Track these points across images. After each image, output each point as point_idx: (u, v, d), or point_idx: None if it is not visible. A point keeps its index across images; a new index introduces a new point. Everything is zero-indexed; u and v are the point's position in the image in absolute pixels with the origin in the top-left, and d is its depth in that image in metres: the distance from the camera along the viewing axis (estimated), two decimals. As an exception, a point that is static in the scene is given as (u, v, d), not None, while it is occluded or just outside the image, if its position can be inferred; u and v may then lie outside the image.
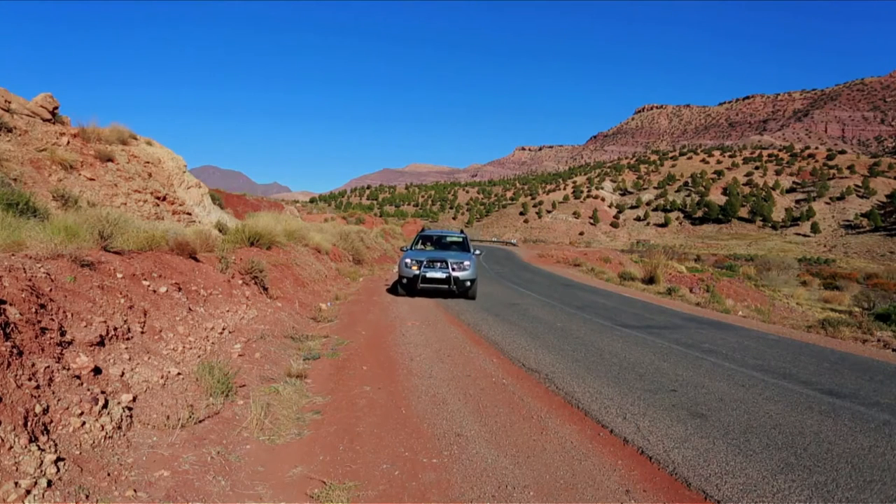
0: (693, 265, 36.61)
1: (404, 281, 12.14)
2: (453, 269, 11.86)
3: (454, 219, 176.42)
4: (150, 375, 4.28)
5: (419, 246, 14.08)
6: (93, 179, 12.14)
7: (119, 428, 3.45)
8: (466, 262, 12.06)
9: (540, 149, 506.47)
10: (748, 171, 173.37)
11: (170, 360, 4.72)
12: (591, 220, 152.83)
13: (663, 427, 4.48)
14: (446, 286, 11.86)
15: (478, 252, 13.30)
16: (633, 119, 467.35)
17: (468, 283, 11.95)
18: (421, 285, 11.87)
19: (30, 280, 4.04)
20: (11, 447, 2.73)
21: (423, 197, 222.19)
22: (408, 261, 12.16)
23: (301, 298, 10.16)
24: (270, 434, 4.07)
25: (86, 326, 4.12)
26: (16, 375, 3.10)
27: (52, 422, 3.11)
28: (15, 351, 3.24)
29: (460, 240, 14.60)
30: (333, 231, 21.75)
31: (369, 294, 13.15)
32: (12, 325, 3.41)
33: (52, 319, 3.86)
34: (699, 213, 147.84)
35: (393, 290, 13.48)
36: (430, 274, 11.82)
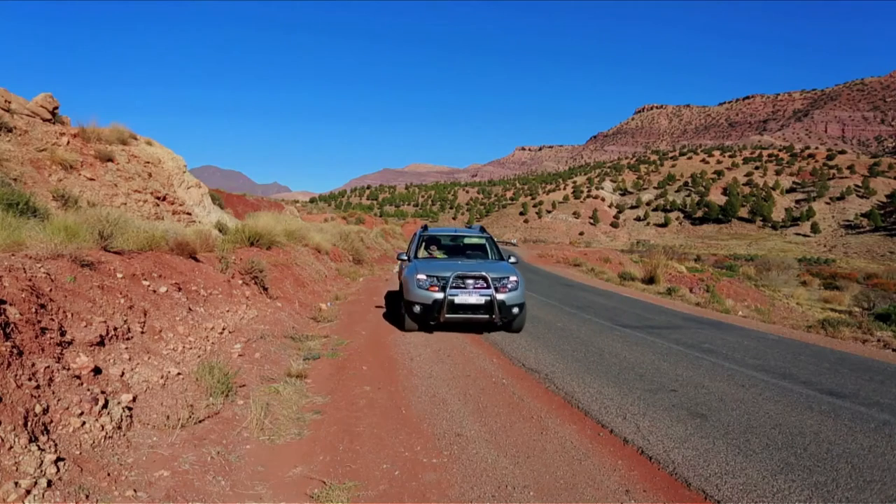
0: (693, 265, 36.62)
1: (416, 309, 7.86)
2: (497, 290, 7.78)
3: (454, 219, 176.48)
4: (150, 375, 4.28)
5: (425, 252, 9.76)
6: (93, 179, 12.15)
7: (119, 428, 3.45)
8: (513, 278, 8.03)
9: (540, 149, 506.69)
10: (748, 171, 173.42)
11: (170, 360, 4.72)
12: (591, 220, 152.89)
13: (663, 427, 4.48)
14: (486, 316, 7.74)
15: (513, 260, 9.14)
16: (633, 119, 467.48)
17: (516, 311, 7.91)
18: (447, 315, 7.70)
19: (30, 280, 4.04)
20: (11, 447, 2.73)
21: (423, 197, 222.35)
22: (420, 277, 7.89)
23: (301, 298, 10.16)
24: (270, 434, 4.07)
25: (86, 326, 4.13)
26: (16, 375, 3.10)
27: (52, 422, 3.11)
28: (15, 351, 3.24)
29: (482, 241, 10.08)
30: (333, 231, 21.76)
31: (369, 294, 13.15)
32: (12, 325, 3.41)
33: (52, 319, 3.86)
34: (699, 213, 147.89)
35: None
36: (462, 298, 7.68)
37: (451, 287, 7.72)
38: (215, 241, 9.88)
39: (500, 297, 7.75)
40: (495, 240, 10.17)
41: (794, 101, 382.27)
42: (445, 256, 9.74)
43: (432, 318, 7.82)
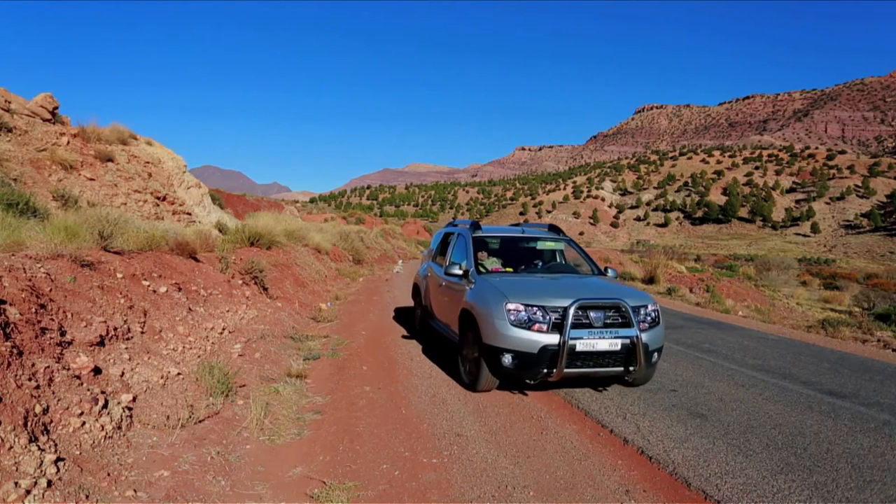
0: (693, 265, 36.59)
1: (508, 361, 4.93)
2: (640, 328, 5.05)
3: (454, 219, 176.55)
4: (150, 375, 4.28)
5: (485, 265, 6.51)
6: (93, 179, 12.14)
7: (119, 428, 3.45)
8: (651, 307, 5.37)
9: (540, 149, 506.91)
10: (748, 171, 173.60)
11: (170, 360, 4.72)
12: (591, 221, 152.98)
13: (663, 427, 4.48)
14: (620, 368, 5.02)
15: (612, 273, 6.55)
16: (633, 119, 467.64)
17: (655, 357, 5.28)
18: (567, 370, 4.86)
19: (30, 280, 4.04)
20: (11, 447, 2.73)
21: (423, 197, 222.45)
22: (515, 308, 5.00)
23: (301, 298, 10.16)
24: (270, 434, 4.07)
25: (86, 326, 4.12)
26: (16, 375, 3.10)
27: (52, 422, 3.11)
28: (15, 351, 3.24)
29: (559, 247, 7.22)
30: (333, 231, 21.77)
31: (369, 294, 13.15)
32: (12, 325, 3.41)
33: (52, 319, 3.86)
34: (699, 213, 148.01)
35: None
36: (587, 343, 4.84)
37: (571, 328, 4.80)
38: (215, 241, 9.88)
39: (645, 338, 5.01)
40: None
41: (794, 101, 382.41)
42: (508, 268, 6.60)
43: (536, 375, 4.94)
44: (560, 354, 4.76)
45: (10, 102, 12.03)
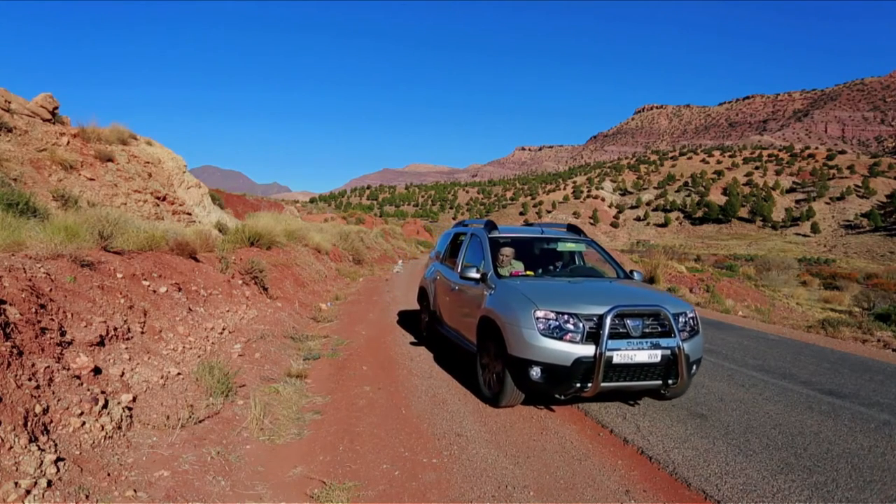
0: (693, 265, 36.58)
1: (536, 374, 4.51)
2: (682, 338, 4.64)
3: (454, 219, 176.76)
4: (150, 375, 4.28)
5: (507, 268, 5.99)
6: (93, 179, 12.14)
7: (119, 428, 3.45)
8: (690, 314, 4.97)
9: (540, 149, 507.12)
10: (748, 171, 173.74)
11: (170, 360, 4.72)
12: (592, 221, 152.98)
13: (663, 427, 4.48)
14: (658, 382, 4.60)
15: (638, 276, 6.09)
16: (633, 119, 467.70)
17: (694, 369, 4.83)
18: (604, 384, 4.42)
19: (30, 280, 4.04)
20: (11, 447, 2.73)
21: (423, 197, 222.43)
22: (544, 315, 4.59)
23: (301, 298, 10.16)
24: (270, 434, 4.07)
25: (86, 326, 4.12)
26: (16, 375, 3.10)
27: (52, 422, 3.11)
28: (15, 351, 3.24)
29: (582, 248, 6.76)
30: (333, 231, 21.77)
31: (369, 294, 13.15)
32: (12, 325, 3.41)
33: (52, 319, 3.86)
34: (699, 213, 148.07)
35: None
36: (625, 355, 4.40)
37: (608, 338, 4.36)
38: (215, 241, 9.88)
39: (686, 348, 4.58)
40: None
41: (794, 101, 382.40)
42: (529, 272, 6.03)
43: (567, 390, 4.52)
44: (596, 368, 4.33)
45: (10, 102, 12.03)
